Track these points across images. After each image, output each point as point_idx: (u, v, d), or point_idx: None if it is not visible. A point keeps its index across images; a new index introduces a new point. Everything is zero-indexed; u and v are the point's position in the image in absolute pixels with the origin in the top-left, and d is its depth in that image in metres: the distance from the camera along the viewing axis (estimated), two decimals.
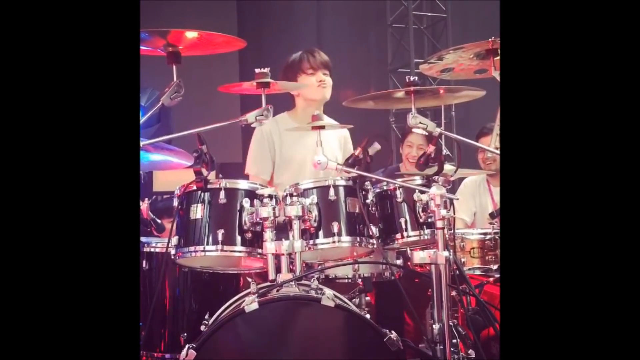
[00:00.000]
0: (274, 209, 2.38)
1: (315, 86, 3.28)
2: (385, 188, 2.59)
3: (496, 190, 4.18)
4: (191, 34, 2.39)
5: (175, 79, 2.39)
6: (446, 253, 2.31)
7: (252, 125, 2.42)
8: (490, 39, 2.45)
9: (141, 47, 2.45)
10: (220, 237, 2.41)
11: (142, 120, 2.24)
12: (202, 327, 2.45)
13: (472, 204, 4.24)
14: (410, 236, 2.54)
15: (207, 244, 2.43)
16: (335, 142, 3.40)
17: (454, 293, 2.80)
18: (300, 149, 3.23)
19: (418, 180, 2.59)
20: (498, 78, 2.53)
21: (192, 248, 2.45)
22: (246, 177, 3.30)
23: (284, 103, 3.39)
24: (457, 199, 2.46)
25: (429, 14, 7.22)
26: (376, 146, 2.62)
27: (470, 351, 2.69)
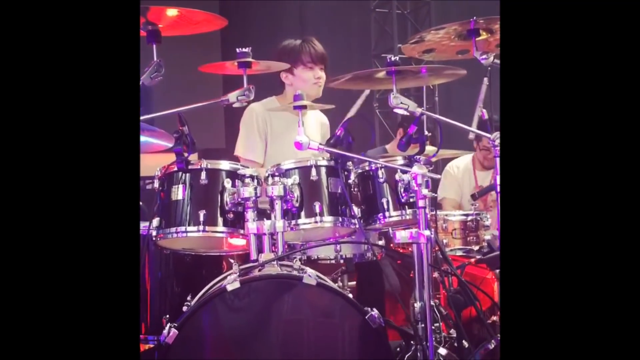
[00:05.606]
0: (255, 189, 2.37)
1: (311, 82, 3.21)
2: (367, 168, 2.59)
3: (480, 174, 4.19)
4: (171, 12, 2.36)
5: (155, 58, 2.36)
6: (427, 232, 2.31)
7: (234, 106, 2.41)
8: (471, 19, 2.45)
9: None
10: (201, 218, 2.39)
11: None
12: (185, 309, 2.44)
13: (458, 187, 4.26)
14: (392, 216, 2.55)
15: (189, 224, 2.41)
16: (317, 125, 3.38)
17: (436, 274, 2.82)
18: (291, 133, 3.20)
19: (400, 160, 2.59)
20: (479, 58, 2.53)
21: (173, 229, 2.44)
22: (236, 159, 3.27)
23: (272, 86, 3.34)
24: (439, 178, 2.47)
25: None
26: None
27: (452, 331, 2.71)
